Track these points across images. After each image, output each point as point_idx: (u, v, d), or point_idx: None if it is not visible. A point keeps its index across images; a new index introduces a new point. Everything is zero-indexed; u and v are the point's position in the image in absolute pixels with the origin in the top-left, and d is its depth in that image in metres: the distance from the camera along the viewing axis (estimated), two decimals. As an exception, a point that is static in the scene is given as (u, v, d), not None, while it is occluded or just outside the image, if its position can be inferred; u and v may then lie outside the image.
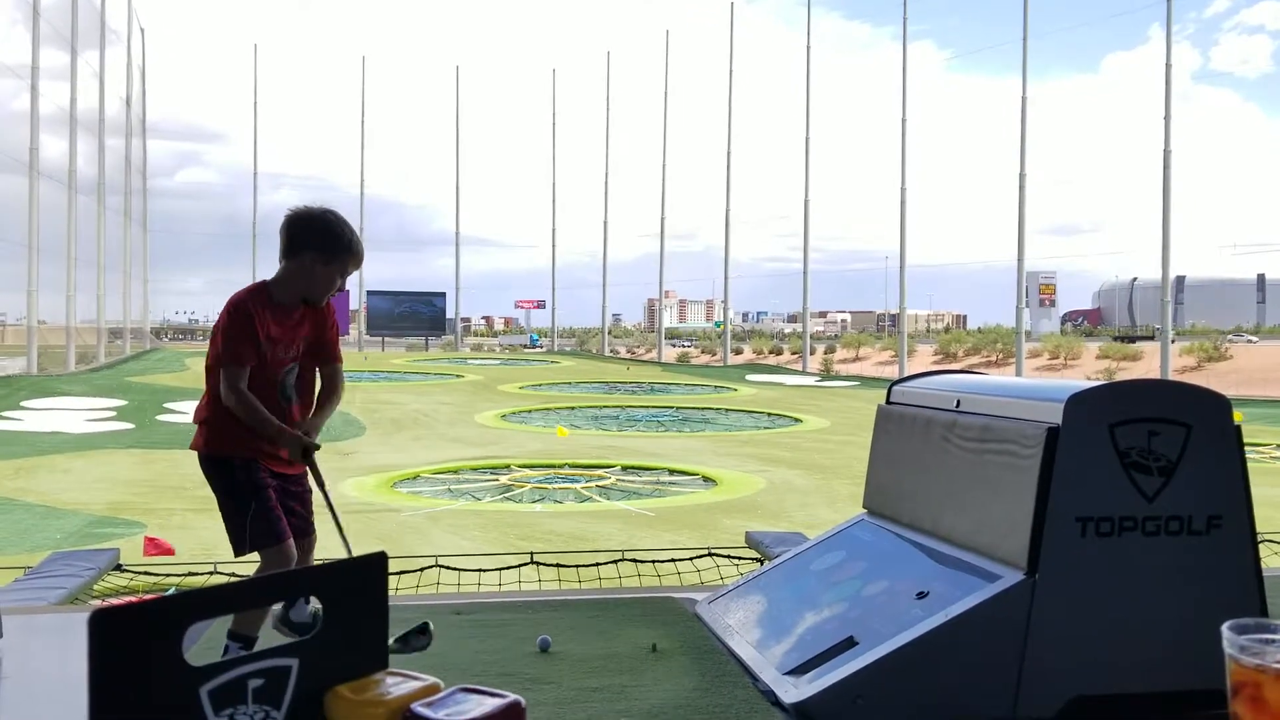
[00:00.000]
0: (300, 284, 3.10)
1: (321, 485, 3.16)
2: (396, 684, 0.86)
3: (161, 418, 21.57)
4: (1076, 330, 69.60)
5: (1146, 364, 39.48)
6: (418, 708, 0.83)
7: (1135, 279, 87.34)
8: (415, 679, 0.87)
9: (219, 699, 0.77)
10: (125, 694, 0.70)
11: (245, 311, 3.05)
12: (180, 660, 0.76)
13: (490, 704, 0.83)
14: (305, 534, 3.14)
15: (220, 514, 3.09)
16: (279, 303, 3.11)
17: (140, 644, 0.72)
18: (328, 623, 0.86)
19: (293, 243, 3.09)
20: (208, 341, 3.20)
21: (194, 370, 35.89)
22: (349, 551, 3.05)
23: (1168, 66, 35.13)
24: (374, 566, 0.87)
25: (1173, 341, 37.42)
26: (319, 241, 3.07)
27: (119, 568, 5.08)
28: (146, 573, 5.31)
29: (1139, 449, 2.40)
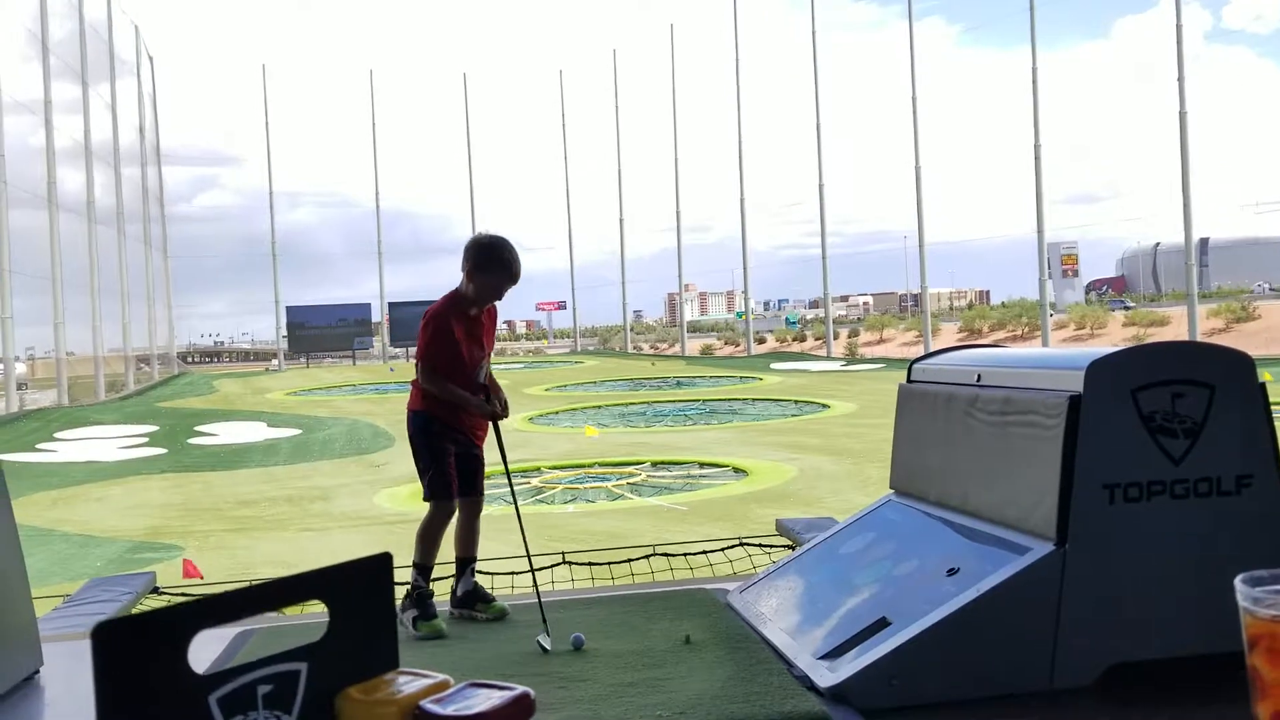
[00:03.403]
0: (469, 290, 3.76)
1: (501, 445, 3.79)
2: (407, 683, 0.87)
3: (193, 441, 21.74)
4: (1101, 299, 68.99)
5: (1174, 329, 39.08)
6: (427, 705, 0.83)
7: (1158, 244, 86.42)
8: (425, 677, 0.87)
9: (229, 706, 0.77)
10: (132, 705, 0.70)
11: (441, 322, 3.71)
12: (187, 669, 0.76)
13: (498, 697, 0.84)
14: (474, 494, 3.83)
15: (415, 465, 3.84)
16: (465, 309, 3.78)
17: (145, 655, 0.72)
18: (334, 625, 0.86)
19: (465, 261, 3.79)
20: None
21: (223, 392, 36.16)
22: (518, 513, 3.94)
23: (1178, 28, 34.74)
24: (379, 568, 0.88)
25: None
26: (476, 260, 3.75)
27: (156, 590, 5.12)
28: (184, 594, 5.35)
29: (1163, 412, 2.38)
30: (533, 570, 3.72)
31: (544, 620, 3.19)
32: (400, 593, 3.54)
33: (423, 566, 3.67)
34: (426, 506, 3.81)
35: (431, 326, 3.73)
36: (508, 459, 3.84)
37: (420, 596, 3.54)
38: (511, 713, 0.83)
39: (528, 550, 3.77)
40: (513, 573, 5.77)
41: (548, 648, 3.04)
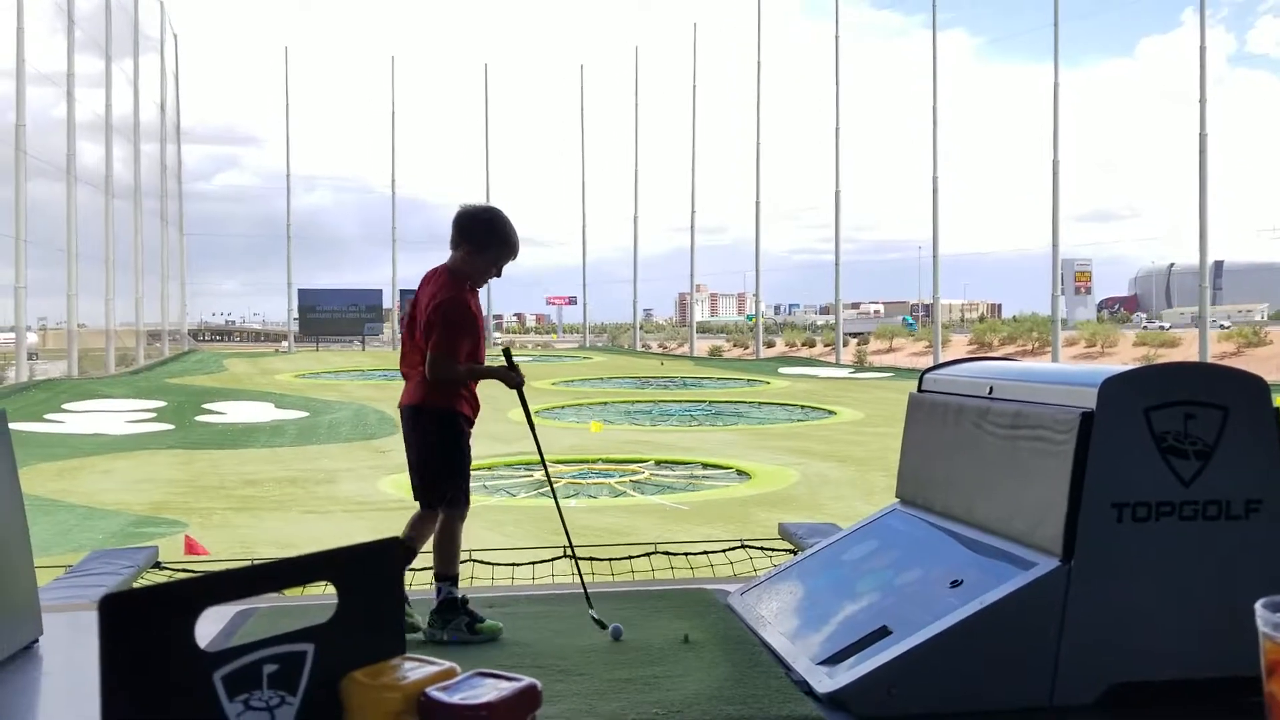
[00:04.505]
0: (468, 269, 3.51)
1: (529, 414, 3.66)
2: (413, 669, 0.86)
3: (200, 418, 21.81)
4: (1113, 317, 68.81)
5: (1185, 350, 38.97)
6: (433, 692, 0.83)
7: (1172, 265, 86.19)
8: (432, 664, 0.88)
9: (233, 684, 0.77)
10: (136, 680, 0.70)
11: (461, 305, 3.46)
12: (193, 645, 0.76)
13: (506, 687, 0.83)
14: None
15: (420, 465, 3.47)
16: (467, 287, 3.54)
17: (151, 629, 0.72)
18: (343, 608, 0.86)
19: (460, 236, 3.52)
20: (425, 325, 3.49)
21: (232, 372, 36.26)
22: (549, 478, 3.93)
23: (1202, 50, 34.66)
24: (388, 552, 0.88)
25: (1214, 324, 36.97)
26: (476, 236, 3.51)
27: (158, 565, 5.13)
28: (185, 570, 5.36)
29: (1175, 433, 2.37)
30: (574, 558, 3.66)
31: (589, 604, 3.19)
32: (406, 597, 3.44)
33: (454, 577, 3.37)
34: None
35: (455, 312, 3.44)
36: (540, 442, 3.72)
37: (465, 605, 3.28)
38: (518, 703, 0.83)
39: (569, 538, 3.71)
40: (513, 564, 5.78)
41: (607, 625, 3.06)
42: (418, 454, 3.49)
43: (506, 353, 3.64)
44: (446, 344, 3.41)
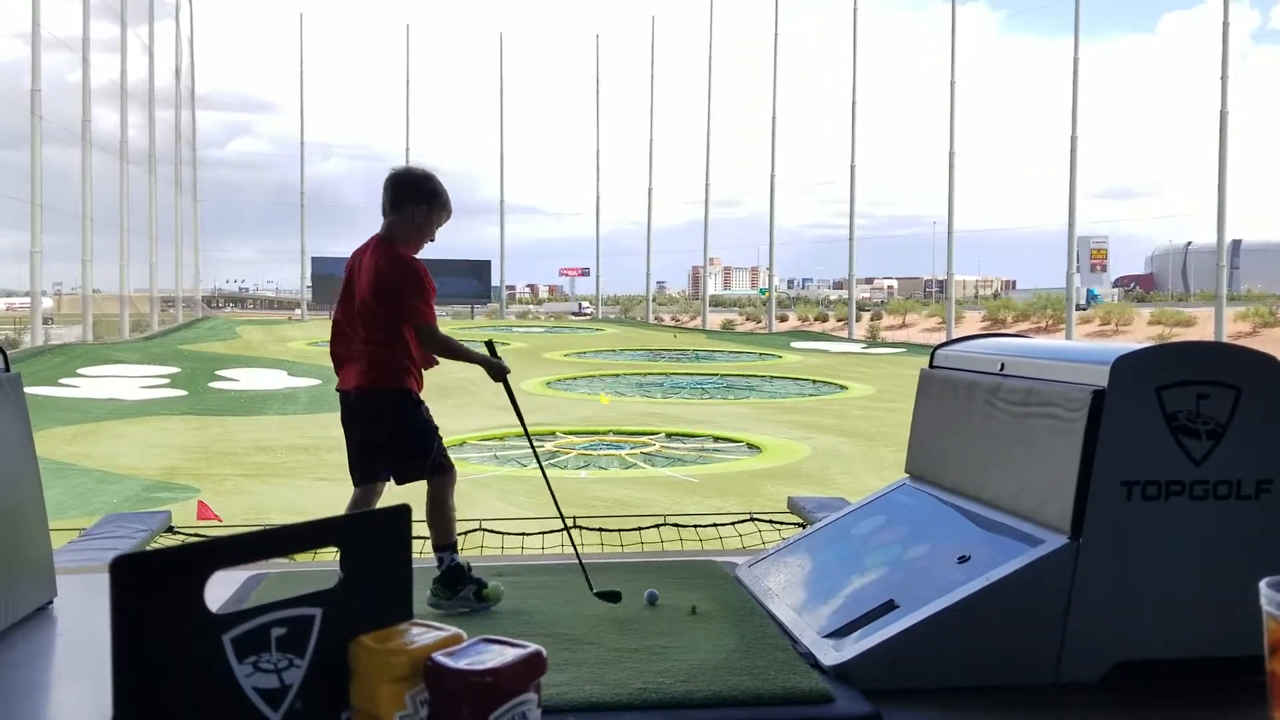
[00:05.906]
0: (415, 230, 3.44)
1: (516, 405, 3.62)
2: (420, 634, 0.88)
3: (213, 385, 21.90)
4: (1129, 295, 68.39)
5: (1200, 330, 38.72)
6: (439, 657, 0.84)
7: (1189, 243, 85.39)
8: (438, 630, 0.89)
9: (242, 647, 0.78)
10: (148, 640, 0.71)
11: (426, 273, 3.39)
12: (203, 608, 0.77)
13: (510, 654, 0.84)
14: None
15: (395, 447, 3.37)
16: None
17: (162, 591, 0.73)
18: (351, 574, 0.87)
19: (403, 199, 3.44)
20: (369, 294, 3.36)
21: (245, 339, 36.37)
22: (541, 467, 3.92)
23: (1225, 26, 34.20)
24: (397, 519, 0.88)
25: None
26: (427, 191, 3.45)
27: (171, 529, 5.18)
28: (198, 534, 5.41)
29: (1187, 412, 2.36)
30: (568, 529, 3.68)
31: (587, 579, 3.21)
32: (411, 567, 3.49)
33: (452, 545, 3.37)
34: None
35: (427, 279, 3.36)
36: (524, 418, 3.70)
37: (471, 571, 3.30)
38: (523, 670, 0.84)
39: (560, 513, 3.71)
40: (523, 534, 5.81)
41: (614, 599, 3.10)
42: (390, 436, 3.37)
43: (490, 345, 3.55)
44: (426, 312, 3.35)
